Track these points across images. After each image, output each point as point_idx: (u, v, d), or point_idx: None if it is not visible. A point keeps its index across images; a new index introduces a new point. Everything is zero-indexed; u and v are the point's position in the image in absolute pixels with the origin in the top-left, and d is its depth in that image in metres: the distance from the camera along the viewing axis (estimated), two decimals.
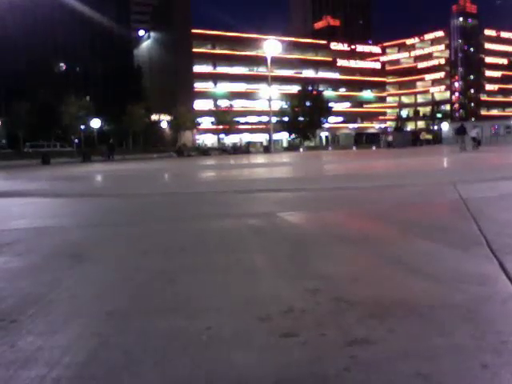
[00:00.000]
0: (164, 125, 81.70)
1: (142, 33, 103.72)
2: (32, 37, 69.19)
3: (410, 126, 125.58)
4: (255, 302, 2.81)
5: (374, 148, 64.20)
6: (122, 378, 1.98)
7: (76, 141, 64.43)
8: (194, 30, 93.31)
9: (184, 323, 2.52)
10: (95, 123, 63.61)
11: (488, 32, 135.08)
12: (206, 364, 2.03)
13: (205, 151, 63.51)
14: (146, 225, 6.11)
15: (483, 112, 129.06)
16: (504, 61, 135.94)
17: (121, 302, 2.97)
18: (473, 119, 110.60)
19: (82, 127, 66.36)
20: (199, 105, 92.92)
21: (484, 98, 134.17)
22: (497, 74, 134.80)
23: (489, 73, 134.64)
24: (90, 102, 67.04)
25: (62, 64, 79.77)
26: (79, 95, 66.34)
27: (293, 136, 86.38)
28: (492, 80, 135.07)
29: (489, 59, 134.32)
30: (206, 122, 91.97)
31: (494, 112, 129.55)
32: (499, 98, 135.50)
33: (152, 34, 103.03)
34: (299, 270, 3.50)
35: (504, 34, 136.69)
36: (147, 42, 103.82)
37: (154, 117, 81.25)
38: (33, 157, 43.65)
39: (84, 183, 16.36)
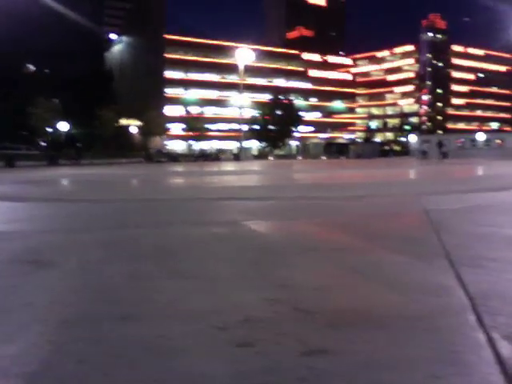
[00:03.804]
0: (134, 130, 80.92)
1: (114, 36, 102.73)
2: (2, 38, 67.81)
3: (378, 138, 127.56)
4: (213, 310, 2.79)
5: (343, 158, 64.90)
6: None
7: (43, 144, 63.22)
8: (166, 36, 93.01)
9: (140, 331, 2.48)
10: (63, 126, 62.59)
11: (456, 48, 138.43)
12: (159, 373, 2.00)
13: (174, 157, 63.12)
14: (107, 231, 6.01)
15: (450, 125, 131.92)
16: (471, 76, 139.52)
17: (77, 309, 2.90)
18: (440, 132, 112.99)
19: (50, 130, 65.21)
20: (170, 110, 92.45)
21: (451, 111, 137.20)
22: (464, 88, 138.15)
23: (456, 87, 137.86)
24: (59, 104, 65.92)
25: (30, 65, 78.38)
26: (48, 97, 65.20)
27: (263, 144, 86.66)
28: (459, 94, 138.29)
29: (456, 74, 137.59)
30: (176, 128, 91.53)
31: (461, 125, 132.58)
32: (465, 112, 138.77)
33: (124, 37, 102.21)
34: (261, 279, 3.49)
35: (471, 50, 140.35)
36: (119, 46, 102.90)
37: (124, 121, 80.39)
38: None
39: (48, 187, 16.03)
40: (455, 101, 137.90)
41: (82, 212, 8.38)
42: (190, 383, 1.93)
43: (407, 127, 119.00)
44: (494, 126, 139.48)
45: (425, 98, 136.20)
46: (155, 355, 2.17)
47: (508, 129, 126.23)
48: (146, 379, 1.95)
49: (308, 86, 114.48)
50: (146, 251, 4.60)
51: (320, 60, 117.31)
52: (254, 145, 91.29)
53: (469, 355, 2.10)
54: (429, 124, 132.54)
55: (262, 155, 79.81)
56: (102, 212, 8.33)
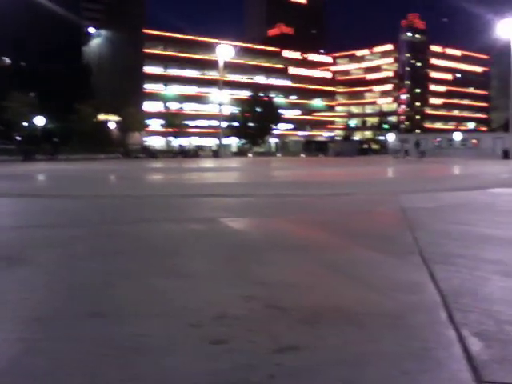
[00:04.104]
0: (112, 125, 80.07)
1: (92, 30, 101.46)
2: None
3: (357, 136, 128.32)
4: (189, 307, 2.78)
5: (322, 156, 65.19)
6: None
7: (19, 138, 62.14)
8: (146, 31, 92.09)
9: (113, 328, 2.46)
10: (39, 121, 61.61)
11: (434, 48, 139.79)
12: (133, 370, 1.99)
13: (153, 154, 62.64)
14: (83, 227, 5.95)
15: (428, 125, 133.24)
16: (448, 76, 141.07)
17: (50, 306, 2.87)
18: (417, 131, 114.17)
19: (26, 124, 64.13)
20: (149, 106, 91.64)
21: (429, 111, 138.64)
22: (441, 88, 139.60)
23: (434, 87, 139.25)
24: (35, 98, 64.84)
25: (5, 58, 76.97)
26: (24, 91, 64.09)
27: (242, 141, 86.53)
28: (437, 94, 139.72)
29: (434, 74, 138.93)
30: (154, 124, 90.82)
31: (438, 125, 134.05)
32: (443, 112, 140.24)
33: (103, 31, 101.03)
34: (237, 276, 3.49)
35: (449, 51, 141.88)
36: (98, 40, 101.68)
37: (102, 116, 79.46)
38: None
39: (24, 183, 15.80)
40: (433, 100, 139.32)
41: (56, 208, 8.28)
42: (162, 380, 1.92)
43: (386, 126, 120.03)
44: (471, 125, 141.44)
45: (403, 97, 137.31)
46: (128, 353, 2.16)
47: (484, 129, 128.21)
48: (118, 376, 1.94)
49: (288, 83, 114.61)
50: (122, 248, 4.57)
51: (300, 58, 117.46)
52: (234, 142, 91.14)
53: (439, 352, 2.13)
54: (407, 123, 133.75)
55: (241, 152, 79.64)
56: (78, 208, 8.24)
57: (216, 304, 2.83)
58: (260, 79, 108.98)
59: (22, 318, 2.65)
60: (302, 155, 69.80)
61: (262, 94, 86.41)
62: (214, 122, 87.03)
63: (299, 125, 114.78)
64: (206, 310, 2.71)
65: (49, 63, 73.22)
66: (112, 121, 79.60)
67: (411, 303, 2.80)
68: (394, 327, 2.44)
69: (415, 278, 3.32)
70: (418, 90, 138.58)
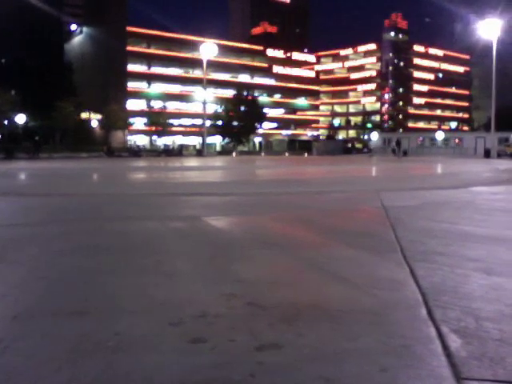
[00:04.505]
0: (94, 123, 79.41)
1: (74, 27, 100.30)
2: None
3: (341, 135, 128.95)
4: (169, 305, 2.76)
5: (306, 155, 65.40)
6: (21, 383, 1.88)
7: None
8: (129, 28, 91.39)
9: (93, 326, 2.44)
10: (20, 118, 60.88)
11: (417, 48, 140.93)
12: (113, 368, 1.97)
13: (136, 152, 62.26)
14: (65, 225, 5.88)
15: (410, 124, 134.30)
16: (431, 76, 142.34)
17: (29, 303, 2.84)
18: (400, 130, 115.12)
19: (6, 122, 63.32)
20: (132, 105, 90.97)
21: (412, 110, 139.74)
22: (424, 88, 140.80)
23: (417, 87, 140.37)
24: (16, 95, 64.02)
25: None
26: (4, 88, 63.26)
27: (226, 140, 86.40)
28: (419, 94, 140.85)
29: (417, 74, 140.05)
30: (138, 123, 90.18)
31: (421, 124, 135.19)
32: (425, 112, 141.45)
33: (85, 28, 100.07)
34: (218, 274, 3.48)
35: (432, 51, 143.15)
36: (79, 37, 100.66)
37: (85, 115, 78.75)
38: None
39: (4, 181, 15.61)
40: (416, 100, 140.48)
41: (40, 206, 8.18)
42: (141, 379, 1.90)
43: (369, 125, 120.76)
44: (453, 125, 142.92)
45: (386, 96, 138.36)
46: (107, 351, 2.13)
47: (466, 128, 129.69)
48: (96, 375, 1.92)
49: (272, 82, 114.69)
50: (102, 245, 4.52)
51: (284, 56, 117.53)
52: (218, 141, 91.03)
53: (419, 348, 2.14)
54: (390, 122, 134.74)
55: (225, 151, 79.56)
56: (59, 206, 8.15)
57: (196, 302, 2.82)
58: (244, 78, 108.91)
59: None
60: (286, 154, 69.96)
61: (246, 93, 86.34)
62: (198, 121, 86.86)
63: (283, 124, 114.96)
64: (186, 308, 2.69)
65: (29, 60, 72.34)
66: (94, 119, 78.98)
67: (391, 300, 2.81)
68: (373, 324, 2.44)
69: (396, 276, 3.34)
70: (400, 90, 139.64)
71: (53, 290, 3.11)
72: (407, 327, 2.42)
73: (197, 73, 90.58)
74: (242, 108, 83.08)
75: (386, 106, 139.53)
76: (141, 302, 2.84)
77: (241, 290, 3.04)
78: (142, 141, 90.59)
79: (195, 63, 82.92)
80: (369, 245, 4.45)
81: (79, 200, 9.09)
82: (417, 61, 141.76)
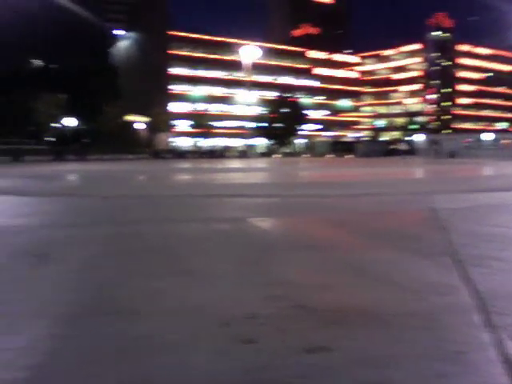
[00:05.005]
0: (139, 126, 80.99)
1: (119, 32, 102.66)
2: (7, 33, 67.96)
3: (384, 137, 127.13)
4: (217, 307, 2.78)
5: (349, 156, 64.70)
6: (79, 379, 1.93)
7: (50, 139, 63.35)
8: (172, 32, 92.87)
9: (141, 327, 2.47)
10: (69, 122, 62.73)
11: (463, 47, 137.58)
12: (161, 370, 1.99)
13: (180, 154, 63.06)
14: (111, 226, 6.01)
15: (457, 125, 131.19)
16: (478, 75, 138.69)
17: (81, 303, 2.90)
18: (447, 131, 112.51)
19: (56, 125, 65.34)
20: (175, 107, 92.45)
21: (458, 111, 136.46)
22: (471, 88, 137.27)
23: (463, 87, 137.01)
24: (65, 100, 65.94)
25: (36, 61, 78.55)
26: (54, 93, 65.27)
27: (269, 142, 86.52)
28: (466, 94, 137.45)
29: (463, 73, 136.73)
30: (181, 125, 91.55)
31: (467, 125, 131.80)
32: (472, 112, 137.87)
33: (129, 33, 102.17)
34: (264, 276, 3.47)
35: (478, 50, 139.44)
36: (124, 42, 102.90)
37: (129, 117, 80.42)
38: (4, 154, 42.66)
39: (56, 182, 16.08)
40: (462, 100, 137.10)
41: (90, 207, 8.39)
42: (192, 379, 1.92)
43: (413, 126, 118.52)
44: (503, 126, 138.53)
45: (431, 97, 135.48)
46: (157, 351, 2.16)
47: None
48: (147, 375, 1.94)
49: (314, 83, 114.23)
50: (149, 247, 4.59)
51: (326, 58, 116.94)
52: (261, 142, 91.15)
53: (474, 354, 2.08)
54: (435, 123, 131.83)
55: (268, 153, 79.54)
56: (110, 207, 8.33)
57: (244, 304, 2.82)
58: (286, 80, 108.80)
59: (53, 315, 2.68)
60: (329, 156, 69.41)
61: (288, 95, 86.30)
62: (241, 123, 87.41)
63: (326, 125, 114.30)
64: (234, 310, 2.69)
65: (78, 66, 74.39)
66: (139, 122, 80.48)
67: (443, 305, 2.74)
68: (426, 329, 2.38)
69: (447, 280, 3.25)
70: (446, 90, 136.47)
71: (104, 291, 3.17)
72: (461, 333, 2.35)
73: (238, 75, 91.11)
74: (284, 110, 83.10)
75: (431, 106, 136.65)
76: (189, 303, 2.86)
77: (288, 292, 3.02)
78: (185, 143, 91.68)
79: (237, 66, 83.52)
80: (418, 248, 4.35)
81: (127, 202, 9.27)
82: (463, 60, 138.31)
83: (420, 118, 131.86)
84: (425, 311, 2.64)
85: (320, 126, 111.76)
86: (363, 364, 2.00)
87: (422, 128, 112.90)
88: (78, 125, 64.75)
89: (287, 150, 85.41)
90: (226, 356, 2.10)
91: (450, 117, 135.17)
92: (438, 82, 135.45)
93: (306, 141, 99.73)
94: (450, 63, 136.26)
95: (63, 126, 63.96)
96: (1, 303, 2.91)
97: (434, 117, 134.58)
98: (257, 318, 2.55)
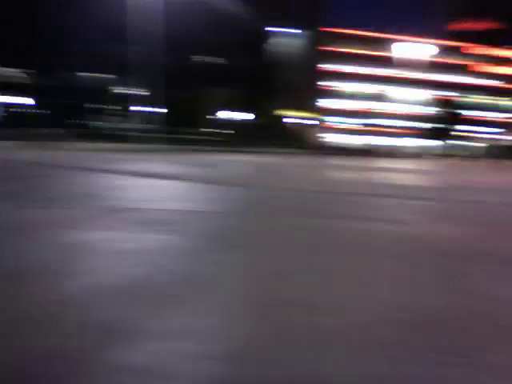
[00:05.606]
0: (293, 120, 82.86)
1: (273, 29, 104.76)
2: (176, 35, 73.08)
3: None
4: (407, 309, 2.79)
5: None
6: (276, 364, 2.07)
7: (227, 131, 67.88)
8: (327, 28, 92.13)
9: (325, 320, 2.60)
10: (244, 116, 66.26)
11: None
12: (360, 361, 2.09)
13: (341, 150, 62.33)
14: (299, 218, 6.23)
15: None
16: None
17: (281, 292, 3.06)
18: None
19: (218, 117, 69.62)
20: (329, 103, 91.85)
21: None
22: None
23: None
24: (238, 94, 69.97)
25: (203, 58, 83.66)
26: (217, 88, 69.64)
27: (445, 143, 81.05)
28: None
29: None
30: (335, 121, 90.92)
31: None
32: None
33: (283, 30, 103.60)
34: (452, 285, 3.35)
35: None
36: (279, 39, 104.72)
37: (285, 112, 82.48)
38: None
39: (227, 172, 17.10)
40: None
41: (269, 199, 8.75)
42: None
43: None
44: None
45: None
46: (357, 348, 2.26)
47: None
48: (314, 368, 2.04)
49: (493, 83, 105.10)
50: (313, 241, 4.72)
51: (489, 54, 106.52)
52: (434, 144, 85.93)
53: None
54: None
55: (443, 155, 73.95)
56: (286, 200, 8.57)
57: (434, 310, 2.80)
58: (445, 77, 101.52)
59: (252, 300, 2.90)
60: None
61: (451, 94, 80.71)
62: (401, 122, 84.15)
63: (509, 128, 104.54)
64: (424, 315, 2.70)
65: (238, 63, 78.22)
66: (292, 116, 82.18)
67: None
68: None
69: None
70: None
71: (284, 284, 3.28)
72: None
73: (390, 71, 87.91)
74: (458, 111, 78.07)
75: None
76: (369, 303, 2.91)
77: (487, 306, 2.93)
78: (336, 139, 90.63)
79: (391, 61, 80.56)
80: None
81: (303, 195, 9.48)
82: None
83: None
84: None
85: (498, 130, 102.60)
86: None
87: None
88: (255, 118, 68.20)
89: (466, 153, 79.55)
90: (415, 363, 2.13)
91: None
92: None
93: (485, 144, 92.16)
94: None
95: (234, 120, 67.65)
96: (207, 283, 3.21)
97: None
98: (455, 331, 2.53)
